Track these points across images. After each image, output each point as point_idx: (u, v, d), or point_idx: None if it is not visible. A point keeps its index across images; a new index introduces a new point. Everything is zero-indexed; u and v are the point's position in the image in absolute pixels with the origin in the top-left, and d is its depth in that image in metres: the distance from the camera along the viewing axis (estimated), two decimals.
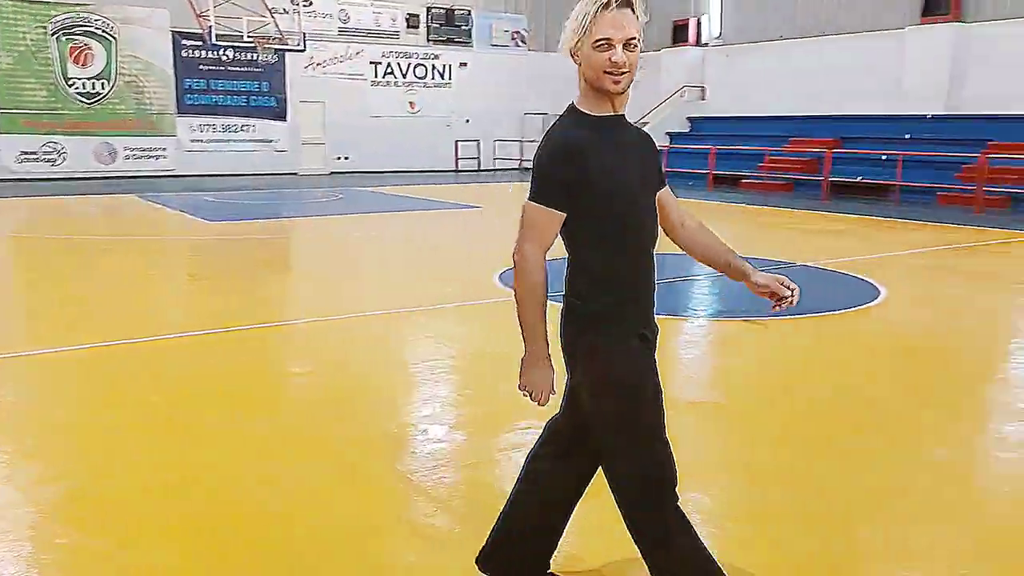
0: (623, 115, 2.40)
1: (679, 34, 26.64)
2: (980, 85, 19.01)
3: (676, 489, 2.40)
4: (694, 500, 3.38)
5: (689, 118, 25.65)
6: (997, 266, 10.13)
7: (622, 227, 2.34)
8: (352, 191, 19.75)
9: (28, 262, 10.35)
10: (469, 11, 27.68)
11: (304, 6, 23.84)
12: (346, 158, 25.98)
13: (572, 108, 2.38)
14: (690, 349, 6.43)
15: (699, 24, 26.34)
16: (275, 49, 22.32)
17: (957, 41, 19.34)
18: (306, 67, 24.87)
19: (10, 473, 3.87)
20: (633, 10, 2.27)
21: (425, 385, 5.32)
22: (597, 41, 2.25)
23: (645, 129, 16.57)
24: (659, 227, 2.50)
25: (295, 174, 24.86)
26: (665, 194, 2.55)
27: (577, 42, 2.29)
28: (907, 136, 18.95)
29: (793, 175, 20.24)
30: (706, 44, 26.28)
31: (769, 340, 6.41)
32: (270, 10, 21.16)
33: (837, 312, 7.01)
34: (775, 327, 6.55)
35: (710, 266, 2.65)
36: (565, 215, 2.31)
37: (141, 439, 4.31)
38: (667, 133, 24.91)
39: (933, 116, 19.26)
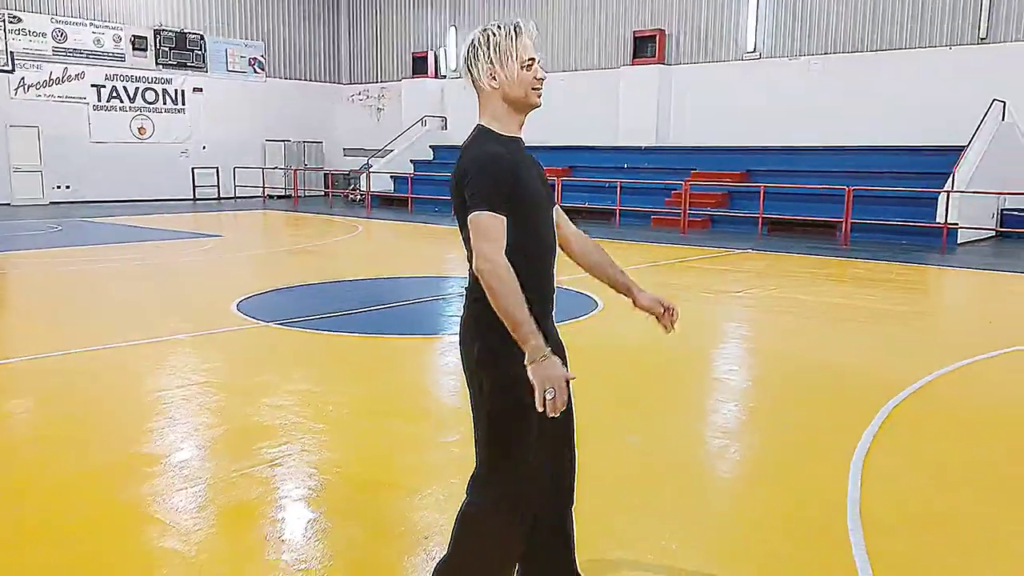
0: (520, 138, 2.57)
1: (419, 65, 27.43)
2: (685, 119, 21.41)
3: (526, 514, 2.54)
4: None
5: (431, 146, 26.40)
6: (688, 280, 11.49)
7: (536, 237, 2.51)
8: (73, 222, 18.34)
9: None
10: (202, 35, 26.74)
11: (11, 23, 21.88)
12: (67, 187, 24.05)
13: (484, 128, 2.51)
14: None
15: (436, 57, 27.28)
16: None
17: (662, 81, 21.62)
18: (16, 89, 22.78)
19: None
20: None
21: (158, 414, 5.19)
22: (525, 62, 2.48)
23: (393, 155, 16.77)
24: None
25: (7, 204, 22.62)
26: (557, 211, 2.73)
27: (500, 68, 2.46)
28: (625, 166, 20.84)
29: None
30: (444, 76, 27.26)
31: None
32: None
33: (568, 321, 7.72)
34: None
35: (599, 279, 2.89)
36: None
37: None
38: (411, 161, 25.50)
39: (646, 148, 21.35)
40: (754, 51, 20.44)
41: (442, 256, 14.10)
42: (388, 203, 24.40)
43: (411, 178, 23.90)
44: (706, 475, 4.38)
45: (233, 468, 4.26)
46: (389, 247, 15.94)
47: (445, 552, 2.66)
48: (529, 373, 2.26)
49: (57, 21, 23.57)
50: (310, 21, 29.74)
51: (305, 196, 27.25)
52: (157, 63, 25.82)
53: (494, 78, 2.48)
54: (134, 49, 25.30)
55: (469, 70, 2.54)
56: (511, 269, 2.32)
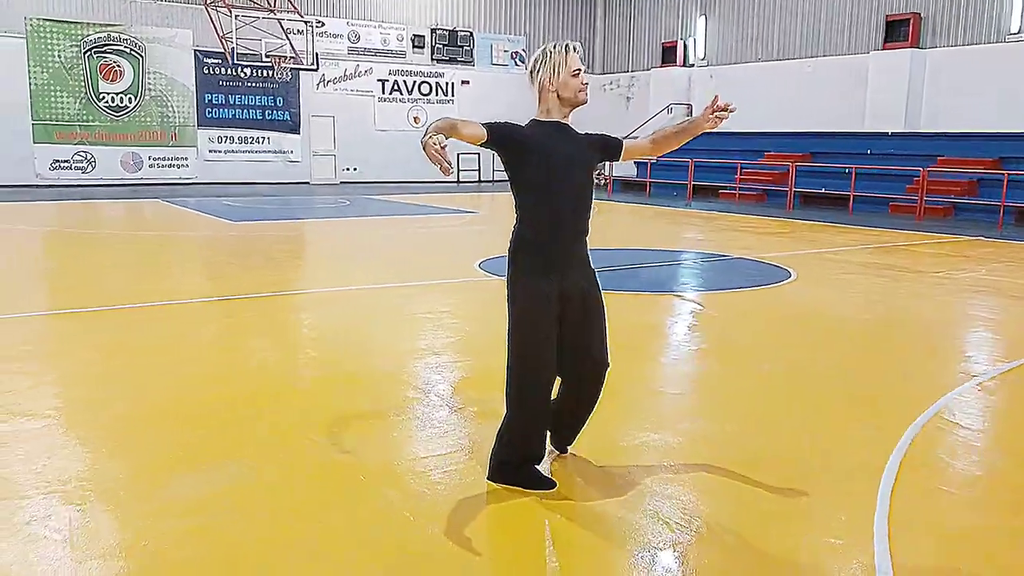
0: (565, 123, 3.67)
1: (667, 55, 28.45)
2: (934, 105, 20.78)
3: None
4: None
5: None
6: (893, 260, 11.79)
7: (545, 184, 3.56)
8: (359, 199, 21.54)
9: (59, 249, 12.13)
10: (471, 32, 29.57)
11: (317, 27, 25.71)
12: (355, 169, 27.81)
13: (533, 119, 3.69)
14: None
15: (685, 46, 28.13)
16: (290, 68, 24.15)
17: (914, 66, 21.07)
18: (318, 84, 26.75)
19: None
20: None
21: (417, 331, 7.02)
22: (573, 71, 3.59)
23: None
24: (584, 196, 3.70)
25: (307, 183, 26.68)
26: (628, 142, 3.90)
27: (555, 75, 3.57)
28: (868, 152, 20.65)
29: (764, 186, 21.96)
30: (692, 65, 28.05)
31: (709, 310, 8.13)
32: (286, 32, 23.05)
33: (759, 288, 8.76)
34: (710, 301, 8.27)
35: (678, 144, 3.85)
36: (486, 137, 3.48)
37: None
38: None
39: (893, 134, 20.97)
40: (1018, 32, 19.40)
41: (657, 233, 15.27)
42: (629, 187, 25.78)
43: (650, 163, 25.07)
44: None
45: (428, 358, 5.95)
46: (618, 224, 17.33)
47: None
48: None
49: (352, 24, 27.30)
50: (567, 16, 31.71)
51: None
52: (432, 58, 28.98)
53: (551, 82, 3.59)
54: (413, 47, 28.61)
55: (532, 76, 3.64)
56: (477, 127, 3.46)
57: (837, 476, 3.98)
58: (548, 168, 3.56)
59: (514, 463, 3.75)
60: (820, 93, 23.29)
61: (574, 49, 3.60)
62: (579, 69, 3.60)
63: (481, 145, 3.52)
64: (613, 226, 17.05)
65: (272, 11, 22.88)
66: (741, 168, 22.44)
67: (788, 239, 14.09)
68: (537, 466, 3.80)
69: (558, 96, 3.62)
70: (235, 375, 5.67)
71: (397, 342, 6.59)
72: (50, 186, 22.60)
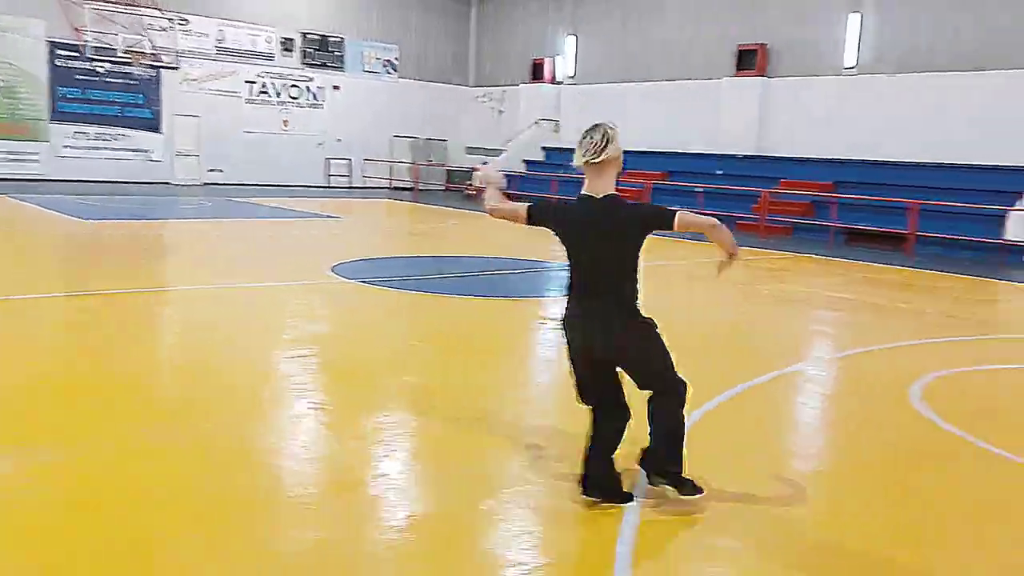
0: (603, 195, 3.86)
1: (537, 71, 29.19)
2: (781, 129, 22.27)
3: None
4: None
5: (544, 148, 28.09)
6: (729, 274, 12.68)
7: (571, 253, 3.95)
8: (222, 201, 21.11)
9: None
10: (343, 38, 29.47)
11: (182, 25, 25.07)
12: (220, 170, 27.19)
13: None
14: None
15: (554, 64, 28.96)
16: (149, 65, 23.44)
17: (763, 93, 22.51)
18: (182, 82, 26.04)
19: None
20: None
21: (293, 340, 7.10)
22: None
23: (507, 155, 18.90)
24: (605, 262, 3.89)
25: (169, 183, 25.90)
26: (680, 215, 3.91)
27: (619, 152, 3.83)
28: (718, 172, 21.88)
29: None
30: (561, 82, 28.91)
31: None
32: (146, 28, 22.37)
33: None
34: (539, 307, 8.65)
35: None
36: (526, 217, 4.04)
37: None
38: (524, 160, 27.33)
39: (743, 156, 22.30)
40: (853, 67, 21.05)
41: (515, 242, 15.76)
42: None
43: (520, 176, 25.65)
44: None
45: (278, 352, 6.10)
46: (478, 233, 17.71)
47: None
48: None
49: (219, 24, 26.73)
50: (441, 27, 32.08)
51: (427, 189, 29.51)
52: (302, 62, 28.71)
53: (616, 162, 3.86)
54: (283, 49, 28.27)
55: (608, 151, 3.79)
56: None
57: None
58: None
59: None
60: (678, 115, 24.49)
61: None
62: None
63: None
64: (475, 234, 17.43)
65: (132, 5, 22.17)
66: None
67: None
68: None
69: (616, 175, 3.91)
70: (72, 370, 5.63)
71: (230, 339, 6.66)
72: None
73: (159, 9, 23.14)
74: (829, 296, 10.82)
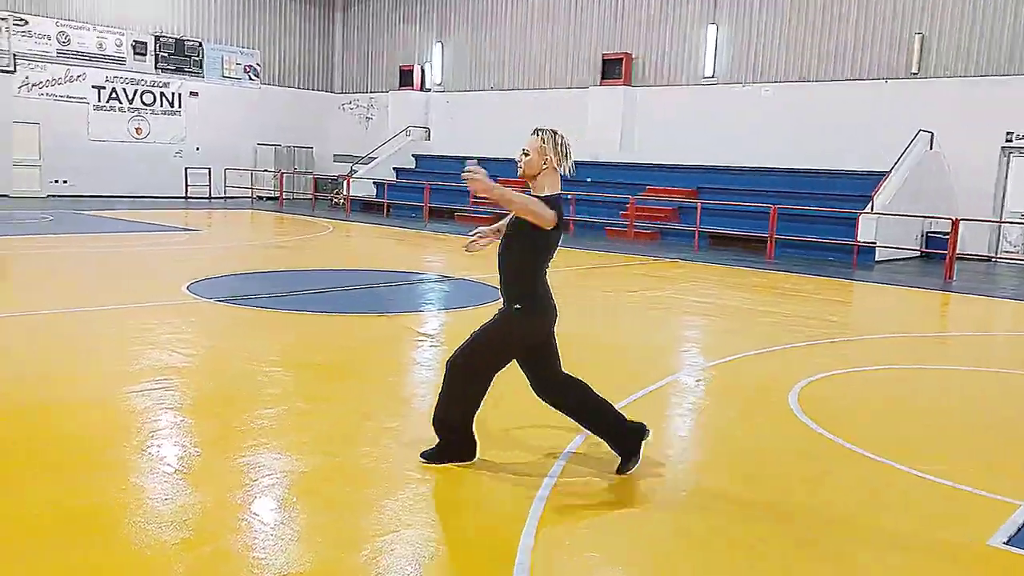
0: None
1: (405, 78, 28.80)
2: (645, 137, 22.77)
3: None
4: None
5: (414, 155, 27.71)
6: (592, 281, 12.74)
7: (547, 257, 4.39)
8: (66, 214, 19.67)
9: None
10: (200, 42, 28.16)
11: (19, 25, 23.29)
12: (64, 181, 25.41)
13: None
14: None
15: (423, 71, 28.65)
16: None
17: (627, 101, 22.95)
18: (20, 87, 24.20)
19: None
20: (535, 134, 4.39)
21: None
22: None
23: (377, 162, 18.66)
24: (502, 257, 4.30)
25: (6, 195, 23.98)
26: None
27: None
28: (588, 180, 22.12)
29: (495, 210, 22.79)
30: (429, 89, 28.62)
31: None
32: None
33: (467, 308, 8.99)
34: (417, 321, 8.32)
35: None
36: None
37: None
38: (394, 168, 26.86)
39: (609, 162, 22.65)
40: (712, 76, 21.75)
41: (386, 253, 15.37)
42: (368, 207, 25.70)
43: (389, 185, 25.19)
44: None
45: (127, 384, 5.55)
46: (348, 244, 17.20)
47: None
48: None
49: (62, 24, 25.00)
50: (306, 32, 31.18)
51: (293, 199, 28.57)
52: (156, 67, 27.23)
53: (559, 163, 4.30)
54: (135, 53, 26.72)
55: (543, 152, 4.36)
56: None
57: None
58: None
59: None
60: (545, 122, 24.53)
61: (533, 132, 4.49)
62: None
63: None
64: (343, 246, 16.90)
65: None
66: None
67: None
68: None
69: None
70: None
71: (73, 369, 6.03)
72: None
73: None
74: (697, 301, 10.98)
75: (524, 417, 5.17)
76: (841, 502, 4.26)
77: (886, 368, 7.44)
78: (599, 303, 10.74)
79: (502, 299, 4.36)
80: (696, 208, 18.42)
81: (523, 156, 4.32)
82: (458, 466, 4.38)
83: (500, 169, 24.14)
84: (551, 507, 3.92)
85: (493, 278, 11.72)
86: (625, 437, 4.42)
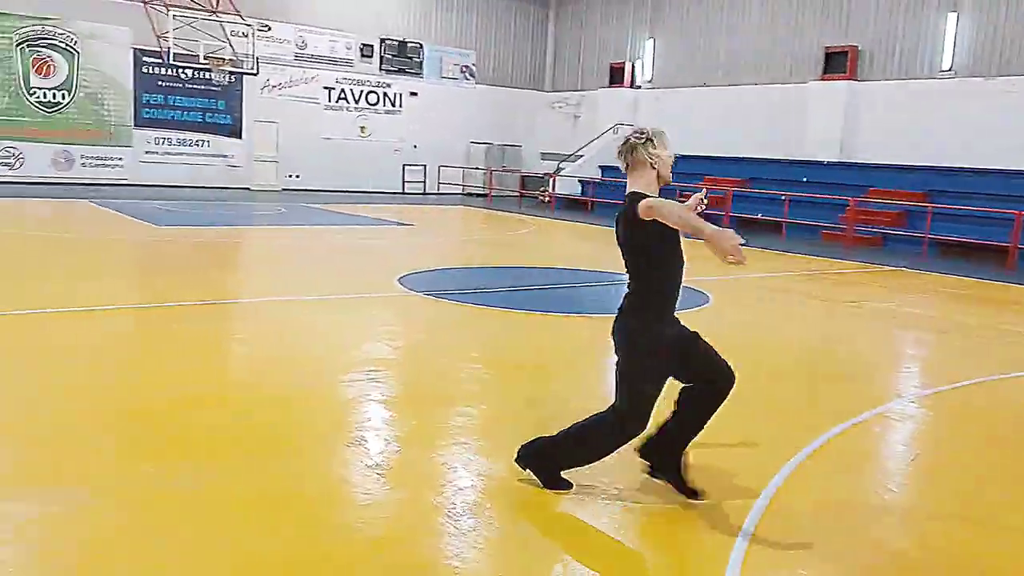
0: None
1: (615, 76, 28.63)
2: (870, 136, 21.22)
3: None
4: None
5: None
6: (813, 288, 11.92)
7: (671, 259, 4.00)
8: (298, 207, 21.20)
9: None
10: (421, 44, 29.43)
11: (261, 31, 25.36)
12: (297, 176, 27.43)
13: (641, 195, 3.80)
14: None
15: (633, 68, 28.35)
16: (229, 71, 23.76)
17: (851, 97, 21.49)
18: (262, 89, 26.36)
19: None
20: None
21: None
22: (672, 155, 3.96)
23: (583, 160, 18.72)
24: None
25: (247, 188, 26.24)
26: (648, 202, 3.85)
27: (660, 156, 3.88)
28: (804, 179, 20.96)
29: (703, 210, 22.09)
30: (639, 86, 28.27)
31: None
32: (227, 34, 22.67)
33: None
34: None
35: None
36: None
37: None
38: (600, 166, 26.80)
39: (828, 162, 21.33)
40: (949, 69, 19.89)
41: (589, 252, 15.26)
42: (574, 205, 25.81)
43: (595, 182, 25.16)
44: None
45: (337, 374, 5.78)
46: (551, 242, 17.28)
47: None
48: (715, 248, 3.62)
49: (300, 30, 26.98)
50: (519, 33, 31.79)
51: (501, 196, 29.24)
52: (380, 68, 28.77)
53: (655, 164, 3.87)
54: (362, 56, 28.37)
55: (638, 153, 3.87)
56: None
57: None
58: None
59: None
60: (761, 119, 23.61)
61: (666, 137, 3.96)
62: (673, 155, 3.98)
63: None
64: (548, 243, 17.01)
65: (213, 12, 22.49)
66: (680, 192, 22.57)
67: (717, 263, 14.12)
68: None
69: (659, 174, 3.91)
70: (147, 388, 5.42)
71: (287, 359, 6.39)
72: None
73: (240, 15, 23.42)
74: (925, 315, 10.02)
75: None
76: None
77: None
78: (817, 313, 10.06)
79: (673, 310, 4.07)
80: (926, 212, 16.92)
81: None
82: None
83: (705, 167, 23.60)
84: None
85: (696, 281, 11.32)
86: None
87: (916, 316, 9.99)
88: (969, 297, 11.70)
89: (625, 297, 3.97)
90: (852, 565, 3.51)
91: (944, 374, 7.18)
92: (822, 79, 22.09)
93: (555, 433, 4.10)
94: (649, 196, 3.78)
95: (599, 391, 6.33)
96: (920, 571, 3.50)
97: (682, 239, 3.93)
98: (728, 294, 10.51)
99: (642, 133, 3.89)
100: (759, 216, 20.46)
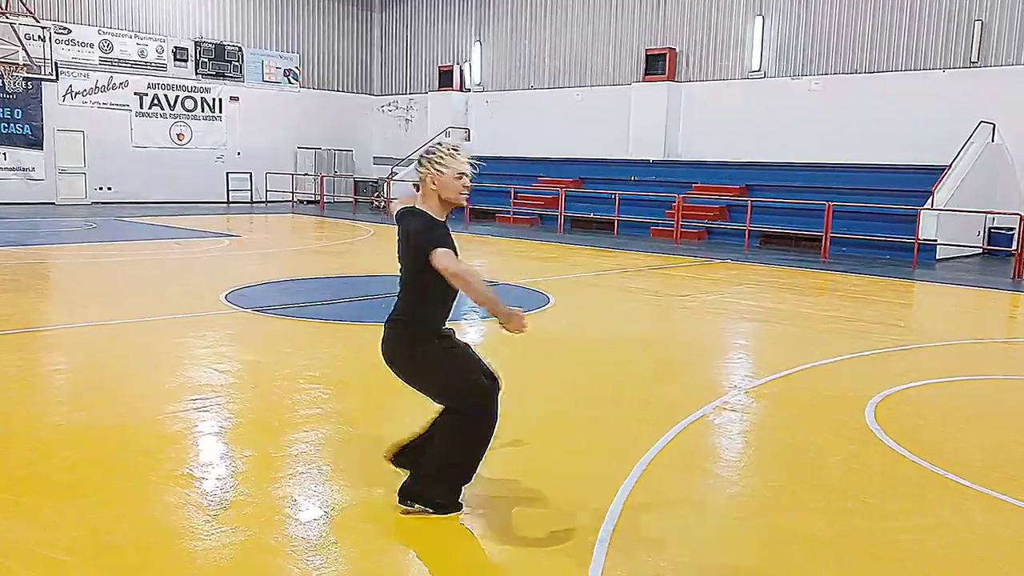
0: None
1: (444, 79, 28.53)
2: (689, 135, 22.19)
3: None
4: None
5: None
6: (647, 284, 12.26)
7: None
8: (109, 221, 19.69)
9: None
10: (240, 47, 28.18)
11: (60, 34, 23.46)
12: (109, 188, 25.56)
13: (424, 212, 3.63)
14: None
15: (461, 71, 28.35)
16: (24, 77, 21.81)
17: (671, 97, 22.38)
18: (64, 96, 24.37)
19: None
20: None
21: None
22: (458, 174, 3.59)
23: (408, 165, 18.09)
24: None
25: (53, 203, 24.18)
26: (440, 256, 3.62)
27: (438, 173, 3.57)
28: (632, 178, 21.62)
29: (538, 211, 22.42)
30: (469, 90, 28.30)
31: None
32: (21, 37, 20.78)
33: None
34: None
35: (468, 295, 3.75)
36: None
37: None
38: None
39: (653, 161, 22.11)
40: (759, 70, 21.10)
41: None
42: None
43: None
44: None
45: (164, 404, 5.25)
46: (381, 250, 16.89)
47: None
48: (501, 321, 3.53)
49: (104, 32, 25.15)
50: (343, 35, 31.07)
51: (333, 202, 28.44)
52: (197, 73, 27.30)
53: (431, 180, 3.61)
54: (175, 60, 26.81)
55: (418, 171, 3.67)
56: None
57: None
58: None
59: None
60: (589, 121, 24.20)
61: (461, 151, 3.68)
62: (463, 173, 3.63)
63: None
64: (382, 250, 16.62)
65: (2, 13, 20.55)
66: (516, 192, 22.80)
67: (554, 263, 14.31)
68: None
69: (439, 193, 3.64)
70: None
71: (109, 388, 5.76)
72: None
73: (34, 17, 21.53)
74: (754, 306, 10.47)
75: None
76: (951, 540, 3.79)
77: (968, 379, 6.91)
78: (653, 309, 10.29)
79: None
80: (746, 206, 17.84)
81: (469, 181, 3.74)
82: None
83: (538, 169, 23.94)
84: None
85: (537, 283, 11.33)
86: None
87: (743, 307, 10.41)
88: (791, 286, 12.35)
89: (401, 311, 3.79)
90: (707, 564, 3.46)
91: (777, 362, 7.45)
92: (644, 80, 22.89)
93: (418, 467, 3.89)
94: (437, 221, 3.63)
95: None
96: (777, 558, 3.51)
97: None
98: (568, 294, 10.58)
99: (432, 148, 3.69)
100: (592, 215, 20.92)
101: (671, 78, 22.51)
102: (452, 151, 3.63)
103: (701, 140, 21.97)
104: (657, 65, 22.72)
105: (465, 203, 3.73)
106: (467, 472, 3.86)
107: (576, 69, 25.02)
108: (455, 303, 3.83)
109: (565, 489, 4.21)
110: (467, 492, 3.93)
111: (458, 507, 3.85)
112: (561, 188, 21.44)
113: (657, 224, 19.49)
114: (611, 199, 20.32)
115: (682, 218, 18.57)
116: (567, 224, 21.15)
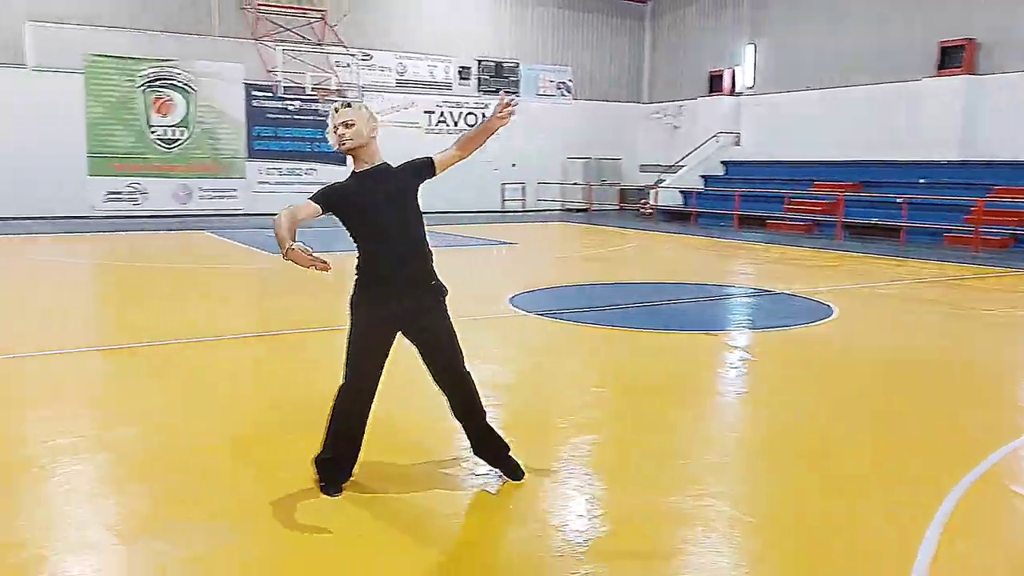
0: (377, 165, 4.13)
1: (715, 84, 28.16)
2: (990, 132, 20.12)
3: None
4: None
5: (723, 162, 26.99)
6: (945, 295, 11.31)
7: (368, 232, 4.02)
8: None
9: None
10: (517, 63, 29.68)
11: (365, 60, 26.08)
12: None
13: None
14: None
15: (733, 75, 27.81)
16: (335, 100, 24.49)
17: (969, 92, 20.45)
18: None
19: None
20: (350, 106, 4.02)
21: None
22: (333, 127, 4.02)
23: (684, 171, 18.32)
24: (409, 227, 4.12)
25: None
26: (438, 156, 4.39)
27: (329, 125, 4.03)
28: (921, 180, 20.05)
29: (813, 217, 21.45)
30: (740, 93, 27.71)
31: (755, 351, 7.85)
32: (332, 65, 23.40)
33: (795, 327, 8.44)
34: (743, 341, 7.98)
35: (482, 142, 4.52)
36: (319, 208, 3.95)
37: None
38: (701, 176, 26.36)
39: (948, 162, 20.34)
40: None
41: (695, 265, 14.94)
42: (676, 217, 25.44)
43: (697, 192, 24.74)
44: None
45: None
46: (656, 256, 17.03)
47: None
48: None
49: (400, 56, 27.61)
50: (615, 46, 31.66)
51: (600, 210, 29.09)
52: (478, 89, 29.14)
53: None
54: (460, 78, 28.81)
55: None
56: (291, 217, 3.82)
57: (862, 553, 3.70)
58: (372, 214, 3.99)
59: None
60: (871, 120, 22.75)
61: (344, 106, 4.03)
62: (334, 127, 4.00)
63: (321, 214, 3.94)
64: (654, 257, 16.77)
65: (319, 44, 23.26)
66: (789, 198, 21.98)
67: (835, 272, 13.66)
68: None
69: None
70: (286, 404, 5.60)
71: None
72: (104, 217, 23.11)
73: (344, 46, 24.15)
74: None
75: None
76: None
77: None
78: (952, 323, 9.54)
79: (417, 282, 4.20)
80: None
81: (346, 128, 3.97)
82: None
83: (813, 173, 22.85)
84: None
85: (816, 292, 10.91)
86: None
87: None
88: None
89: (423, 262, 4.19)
90: None
91: None
92: (937, 75, 21.13)
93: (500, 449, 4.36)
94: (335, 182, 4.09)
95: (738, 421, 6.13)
96: None
97: (411, 202, 4.11)
98: (852, 305, 10.08)
99: (347, 103, 4.07)
100: (874, 221, 19.69)
101: (969, 71, 20.57)
102: (335, 110, 4.01)
103: (1004, 138, 19.86)
104: (953, 57, 20.87)
105: (340, 150, 4.05)
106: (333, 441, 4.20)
107: (857, 65, 23.59)
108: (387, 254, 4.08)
109: (864, 527, 4.11)
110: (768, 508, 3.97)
111: (327, 475, 4.16)
112: (840, 192, 20.37)
113: (951, 230, 17.93)
114: (897, 203, 19.00)
115: (982, 223, 16.93)
116: (845, 230, 20.05)
